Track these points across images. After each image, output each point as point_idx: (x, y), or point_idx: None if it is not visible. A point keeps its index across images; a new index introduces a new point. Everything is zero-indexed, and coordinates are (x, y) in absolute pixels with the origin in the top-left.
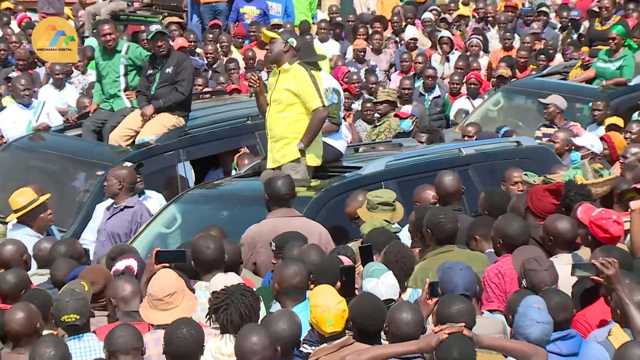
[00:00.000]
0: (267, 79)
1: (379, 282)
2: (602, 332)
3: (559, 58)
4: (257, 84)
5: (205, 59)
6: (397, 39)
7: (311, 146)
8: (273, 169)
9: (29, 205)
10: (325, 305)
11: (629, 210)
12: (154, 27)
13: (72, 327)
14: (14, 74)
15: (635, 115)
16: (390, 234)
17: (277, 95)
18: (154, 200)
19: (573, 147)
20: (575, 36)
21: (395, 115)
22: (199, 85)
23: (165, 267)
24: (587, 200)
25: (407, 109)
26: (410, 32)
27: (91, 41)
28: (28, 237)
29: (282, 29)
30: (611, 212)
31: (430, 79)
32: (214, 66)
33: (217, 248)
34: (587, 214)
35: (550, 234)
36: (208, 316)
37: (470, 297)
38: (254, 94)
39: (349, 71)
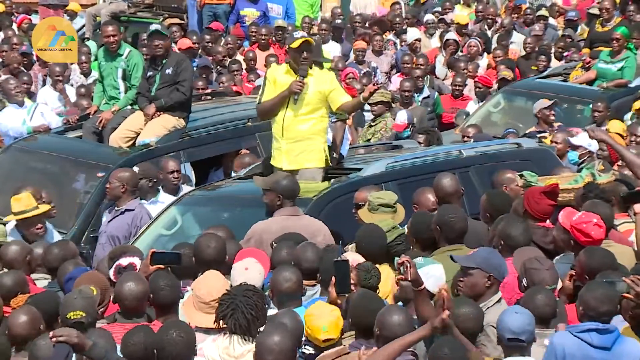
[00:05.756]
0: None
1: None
2: None
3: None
4: (302, 89)
5: (211, 61)
6: (397, 40)
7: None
8: (290, 170)
9: (28, 212)
10: (318, 313)
11: (633, 213)
12: (153, 26)
13: (77, 325)
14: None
15: (627, 117)
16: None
17: (306, 97)
18: (163, 206)
19: (570, 147)
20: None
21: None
22: (201, 87)
23: (160, 268)
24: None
25: (402, 119)
26: (413, 33)
27: (92, 44)
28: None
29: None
30: (591, 215)
31: (419, 80)
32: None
33: (217, 247)
34: (568, 219)
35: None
36: (215, 322)
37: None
38: (293, 96)
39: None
